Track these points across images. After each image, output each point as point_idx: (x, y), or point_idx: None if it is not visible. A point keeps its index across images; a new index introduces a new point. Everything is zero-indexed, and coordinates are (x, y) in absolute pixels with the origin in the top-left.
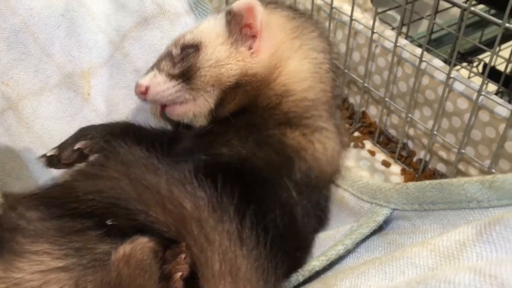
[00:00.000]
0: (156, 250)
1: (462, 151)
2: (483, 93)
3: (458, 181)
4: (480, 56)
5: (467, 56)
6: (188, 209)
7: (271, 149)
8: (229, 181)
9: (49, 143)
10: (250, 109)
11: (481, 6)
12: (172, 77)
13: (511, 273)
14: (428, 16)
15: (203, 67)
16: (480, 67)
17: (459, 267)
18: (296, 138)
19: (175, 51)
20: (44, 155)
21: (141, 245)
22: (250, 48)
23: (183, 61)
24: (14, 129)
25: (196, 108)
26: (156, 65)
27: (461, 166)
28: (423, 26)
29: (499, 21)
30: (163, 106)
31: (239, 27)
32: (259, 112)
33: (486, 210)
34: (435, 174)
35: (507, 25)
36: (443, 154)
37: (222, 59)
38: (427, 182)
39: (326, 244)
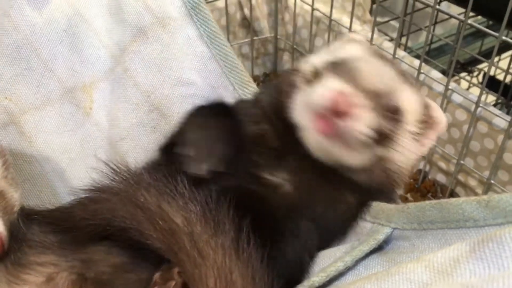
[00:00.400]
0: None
1: (461, 162)
2: (481, 104)
3: (456, 201)
4: (480, 66)
5: (467, 66)
6: (179, 224)
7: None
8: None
9: (52, 157)
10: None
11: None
12: (373, 126)
13: None
14: (426, 27)
15: (396, 150)
16: (480, 77)
17: (452, 284)
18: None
19: (386, 101)
20: None
21: None
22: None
23: (388, 122)
24: (17, 143)
25: (347, 157)
26: (368, 96)
27: (460, 177)
28: (424, 35)
29: (496, 34)
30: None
31: (422, 125)
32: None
33: (481, 228)
34: (434, 185)
35: (503, 38)
36: (442, 165)
37: (410, 149)
38: (427, 202)
39: (326, 261)
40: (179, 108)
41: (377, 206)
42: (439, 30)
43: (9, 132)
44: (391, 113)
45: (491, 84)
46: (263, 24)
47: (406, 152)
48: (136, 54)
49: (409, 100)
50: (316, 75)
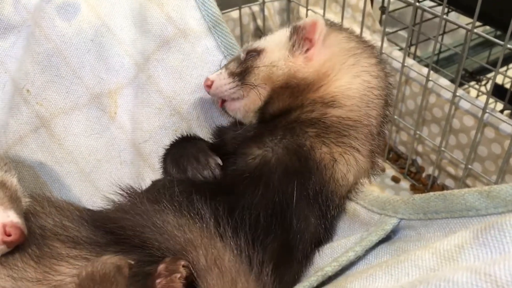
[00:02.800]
0: (120, 265)
1: (469, 166)
2: (487, 110)
3: (459, 192)
4: (489, 75)
5: (475, 75)
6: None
7: (296, 157)
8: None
9: (79, 158)
10: (293, 112)
11: (488, 26)
12: (232, 75)
13: (503, 270)
14: (434, 36)
15: (258, 67)
16: (489, 86)
17: (457, 268)
18: (324, 155)
19: (242, 55)
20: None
21: (103, 261)
22: (305, 54)
23: (245, 63)
24: (47, 145)
25: (247, 104)
26: (226, 65)
27: (468, 182)
28: (433, 45)
29: (501, 42)
30: (223, 101)
31: (300, 39)
32: (301, 118)
33: (483, 217)
34: (443, 190)
35: (509, 46)
36: (451, 170)
37: (276, 60)
38: (431, 193)
39: (338, 251)
40: (198, 113)
41: (383, 197)
42: (448, 40)
43: (40, 135)
44: (252, 54)
45: (500, 92)
46: None
47: (283, 61)
48: (159, 62)
49: (267, 40)
50: None
